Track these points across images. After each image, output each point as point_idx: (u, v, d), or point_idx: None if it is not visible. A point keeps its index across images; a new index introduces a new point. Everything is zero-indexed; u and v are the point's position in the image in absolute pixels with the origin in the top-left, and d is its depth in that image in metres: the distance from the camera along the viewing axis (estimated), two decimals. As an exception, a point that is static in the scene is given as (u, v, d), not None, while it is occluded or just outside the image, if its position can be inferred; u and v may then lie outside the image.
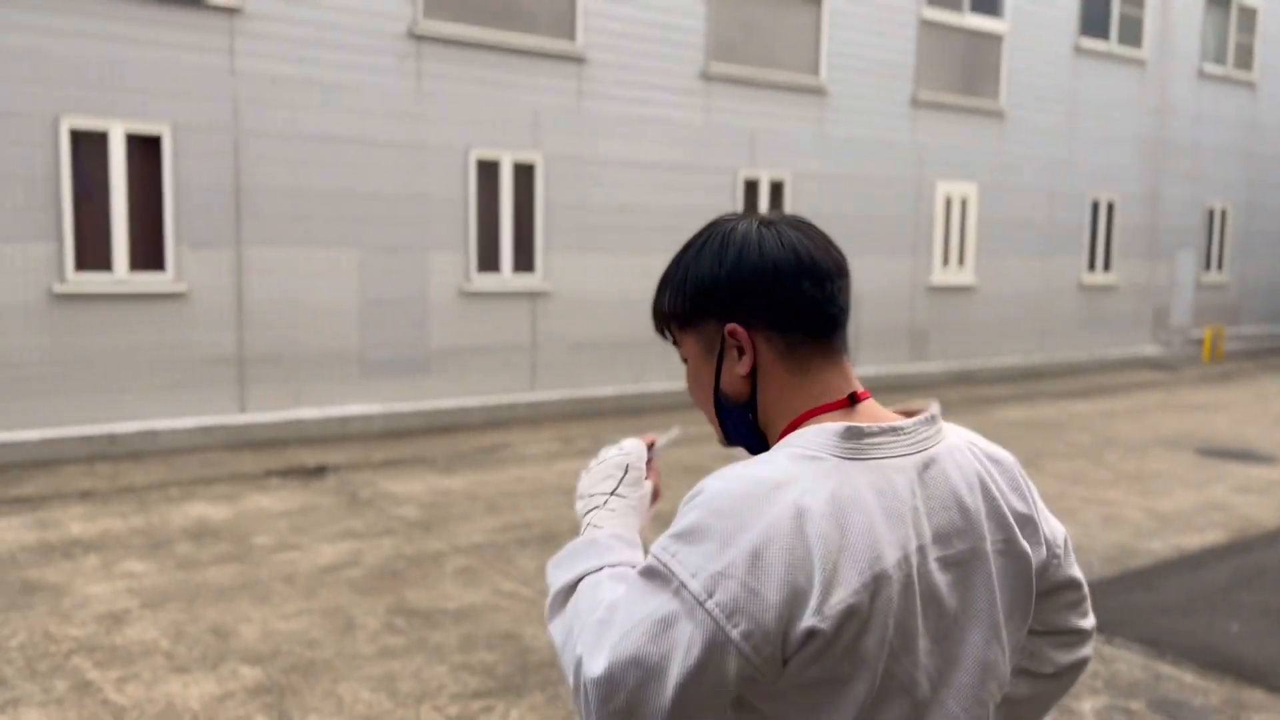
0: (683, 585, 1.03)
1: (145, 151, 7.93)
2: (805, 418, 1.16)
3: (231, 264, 8.31)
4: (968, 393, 12.24)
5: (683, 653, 1.01)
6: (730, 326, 1.18)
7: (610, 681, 1.02)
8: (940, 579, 1.11)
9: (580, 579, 1.18)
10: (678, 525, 1.08)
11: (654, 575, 1.06)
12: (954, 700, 1.13)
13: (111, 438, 7.78)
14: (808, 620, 1.01)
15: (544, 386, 10.12)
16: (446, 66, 9.25)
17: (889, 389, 11.88)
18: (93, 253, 7.78)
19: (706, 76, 10.81)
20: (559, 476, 7.51)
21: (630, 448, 1.37)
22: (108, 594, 4.83)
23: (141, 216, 7.97)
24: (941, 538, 1.12)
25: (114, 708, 3.68)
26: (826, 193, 11.85)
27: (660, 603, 1.03)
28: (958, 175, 13.23)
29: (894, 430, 1.13)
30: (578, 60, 9.97)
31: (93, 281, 7.74)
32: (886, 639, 1.06)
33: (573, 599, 1.17)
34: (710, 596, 1.01)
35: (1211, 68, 16.38)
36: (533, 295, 9.97)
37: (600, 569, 1.18)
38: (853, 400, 1.18)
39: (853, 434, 1.11)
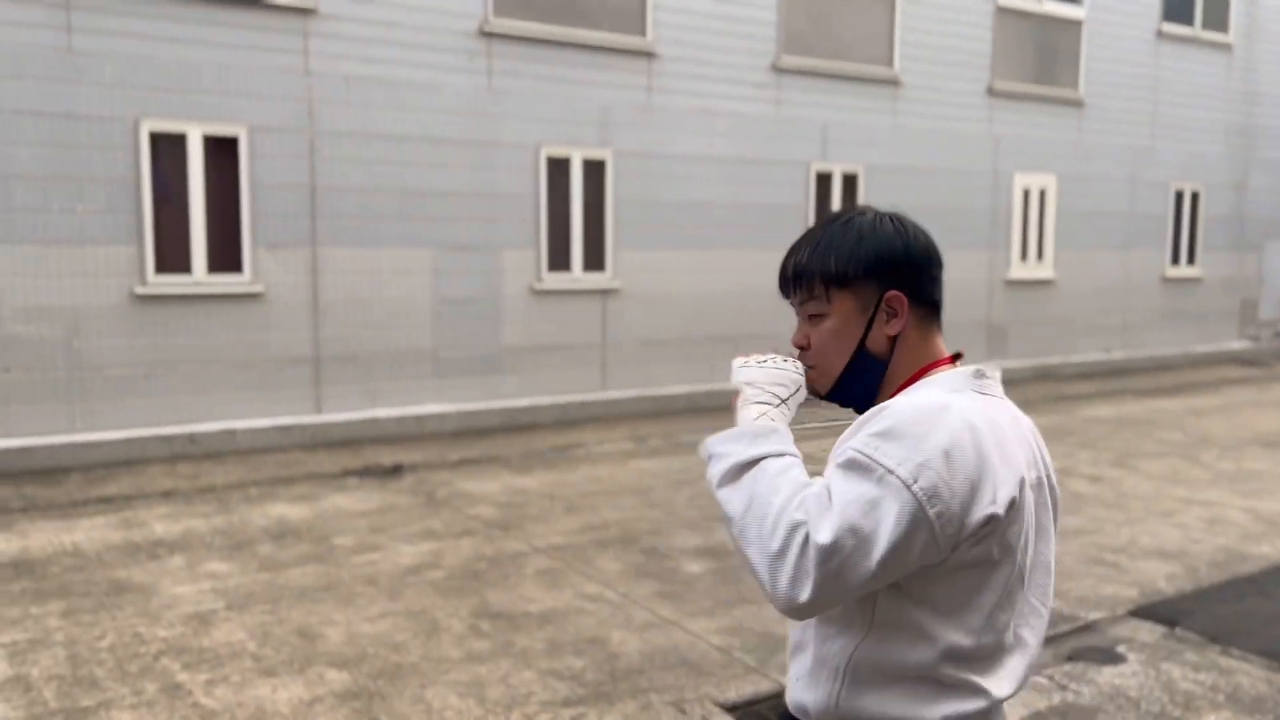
0: (888, 472, 1.28)
1: (222, 153, 7.99)
2: (925, 371, 1.46)
3: (307, 264, 8.35)
4: (1049, 390, 11.88)
5: (890, 526, 1.26)
6: (894, 293, 1.45)
7: (833, 545, 1.25)
8: (1031, 496, 1.39)
9: (762, 458, 1.36)
10: (873, 429, 1.33)
11: (858, 466, 1.30)
12: (1034, 596, 1.45)
13: (192, 437, 7.85)
14: (986, 509, 1.30)
15: (615, 385, 10.03)
16: (517, 64, 9.20)
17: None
18: (172, 255, 7.86)
19: (778, 69, 10.63)
20: (635, 476, 7.41)
21: (801, 371, 1.51)
22: (193, 595, 4.83)
23: (219, 218, 8.03)
24: (1028, 465, 1.40)
25: (204, 711, 3.65)
26: (900, 186, 11.58)
27: (867, 487, 1.28)
28: (1036, 166, 12.86)
29: (993, 379, 1.47)
30: (648, 55, 9.86)
31: (172, 283, 7.82)
32: (1023, 532, 1.37)
33: (756, 473, 1.34)
34: (915, 482, 1.27)
35: (1301, 51, 15.73)
36: (603, 293, 9.89)
37: (784, 455, 1.37)
38: (955, 357, 1.51)
39: (979, 375, 1.44)
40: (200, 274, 7.94)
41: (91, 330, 7.59)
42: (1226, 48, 14.69)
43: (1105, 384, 12.49)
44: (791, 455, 1.38)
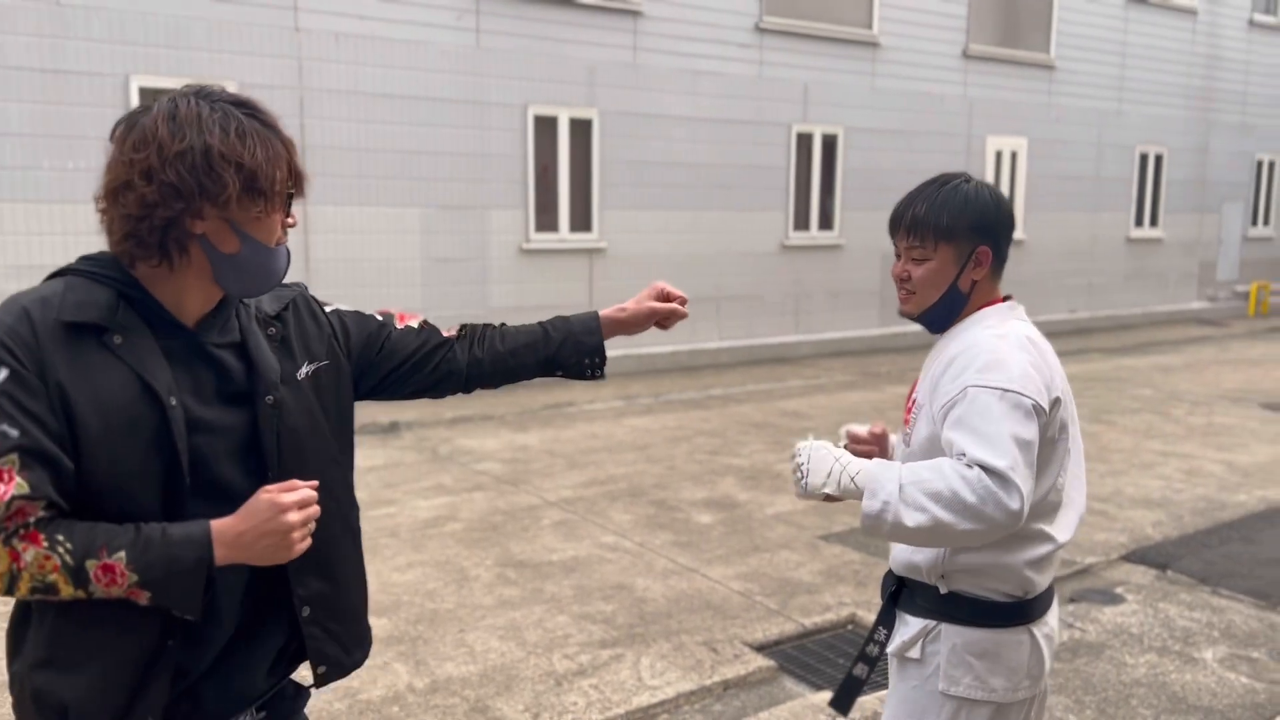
0: (1005, 390, 1.72)
1: (212, 110, 7.92)
2: (988, 304, 1.92)
3: (299, 222, 8.32)
4: (1019, 348, 12.17)
5: (1021, 421, 1.70)
6: (984, 248, 1.88)
7: (1003, 453, 1.66)
8: (1068, 388, 1.89)
9: (899, 486, 1.69)
10: (975, 367, 1.76)
11: (983, 394, 1.73)
12: (1075, 465, 1.92)
13: (187, 396, 7.85)
14: (1053, 394, 1.78)
15: (601, 344, 10.13)
16: (505, 22, 9.18)
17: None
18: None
19: (761, 29, 10.70)
20: (630, 433, 7.55)
21: (813, 445, 1.82)
22: (218, 548, 4.90)
23: (210, 176, 7.98)
24: (1059, 367, 1.90)
25: (254, 657, 3.75)
26: (878, 147, 11.75)
27: (993, 402, 1.71)
28: (1008, 129, 13.08)
29: (1021, 310, 1.96)
30: (634, 14, 9.88)
31: (164, 241, 7.77)
32: (1066, 419, 1.84)
33: (908, 490, 1.67)
34: (1022, 389, 1.73)
35: (1262, 18, 16.08)
36: (590, 252, 9.96)
37: (898, 476, 1.70)
38: (1006, 298, 1.95)
39: (1017, 306, 1.95)
40: (192, 232, 7.90)
41: (84, 289, 7.53)
42: (1191, 12, 14.96)
43: (1070, 343, 12.83)
44: (897, 472, 1.70)
